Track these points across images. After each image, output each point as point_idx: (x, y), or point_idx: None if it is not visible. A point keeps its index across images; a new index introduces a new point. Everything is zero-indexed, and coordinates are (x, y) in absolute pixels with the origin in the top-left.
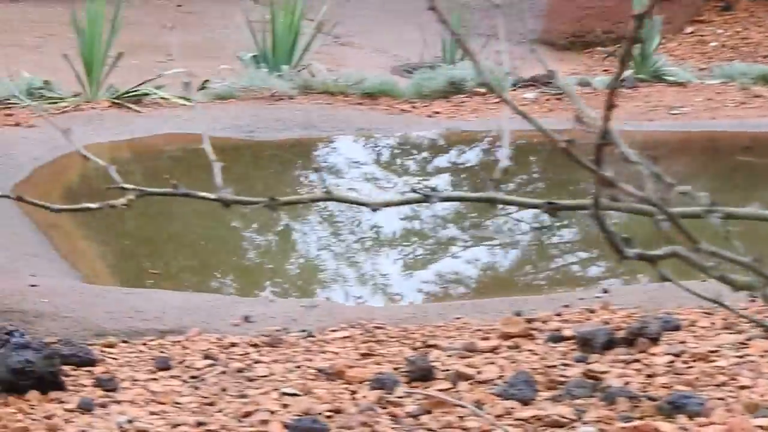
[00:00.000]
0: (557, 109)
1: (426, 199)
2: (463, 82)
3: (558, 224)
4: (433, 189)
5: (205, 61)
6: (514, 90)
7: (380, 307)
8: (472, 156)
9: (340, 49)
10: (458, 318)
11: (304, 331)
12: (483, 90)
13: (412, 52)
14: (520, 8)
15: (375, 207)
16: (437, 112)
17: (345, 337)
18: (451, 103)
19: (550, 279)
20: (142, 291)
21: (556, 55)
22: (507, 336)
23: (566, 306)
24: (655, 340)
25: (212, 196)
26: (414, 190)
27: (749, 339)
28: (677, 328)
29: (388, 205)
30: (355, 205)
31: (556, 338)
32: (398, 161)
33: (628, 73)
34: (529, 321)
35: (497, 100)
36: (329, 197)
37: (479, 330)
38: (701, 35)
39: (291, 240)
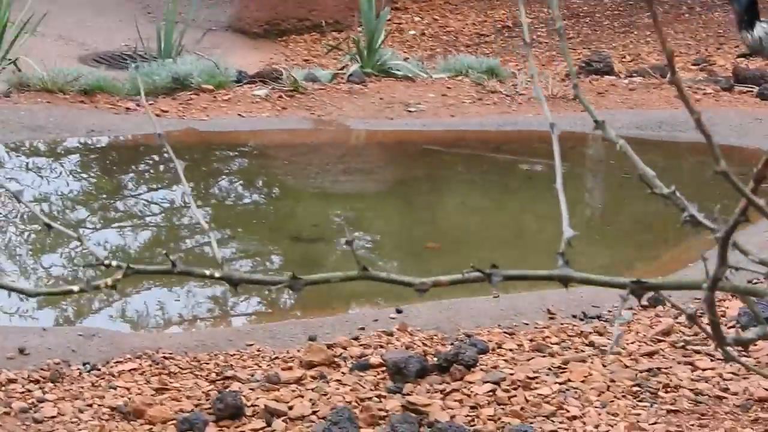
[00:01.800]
0: (291, 107)
1: (488, 278)
2: (188, 77)
3: None
4: (493, 266)
5: None
6: (241, 86)
7: (165, 334)
8: (229, 162)
9: (22, 37)
10: (251, 344)
11: (86, 364)
12: (210, 87)
13: (99, 40)
14: None
15: (421, 288)
16: (165, 111)
17: (133, 370)
18: (178, 101)
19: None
20: None
21: (250, 43)
22: (310, 365)
23: (362, 329)
24: (470, 367)
25: (217, 274)
26: (475, 268)
27: (565, 363)
28: (485, 351)
29: (437, 284)
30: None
31: (363, 366)
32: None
33: (354, 67)
34: (330, 347)
35: (227, 97)
36: (366, 276)
37: (277, 358)
38: (398, 23)
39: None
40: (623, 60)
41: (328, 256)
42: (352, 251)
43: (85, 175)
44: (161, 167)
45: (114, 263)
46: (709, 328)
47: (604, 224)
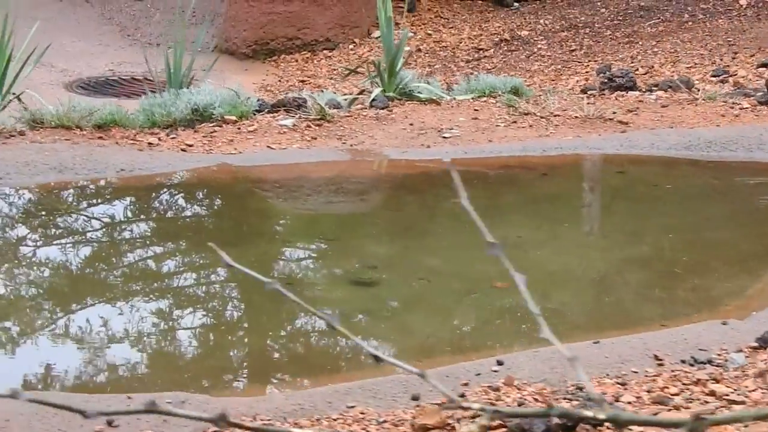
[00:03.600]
0: (321, 137)
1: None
2: (208, 108)
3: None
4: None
5: None
6: (263, 115)
7: (261, 399)
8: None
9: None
10: (352, 406)
11: None
12: (233, 117)
13: (81, 65)
14: (198, 14)
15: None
16: (189, 145)
17: None
18: (201, 134)
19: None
20: None
21: (239, 64)
22: (424, 429)
23: (465, 384)
24: (596, 425)
25: (601, 415)
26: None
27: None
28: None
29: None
30: None
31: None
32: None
33: (377, 91)
34: (440, 407)
35: (252, 128)
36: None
37: (385, 422)
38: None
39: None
40: (636, 72)
41: (392, 299)
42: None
43: (151, 223)
44: (220, 205)
45: (476, 406)
46: None
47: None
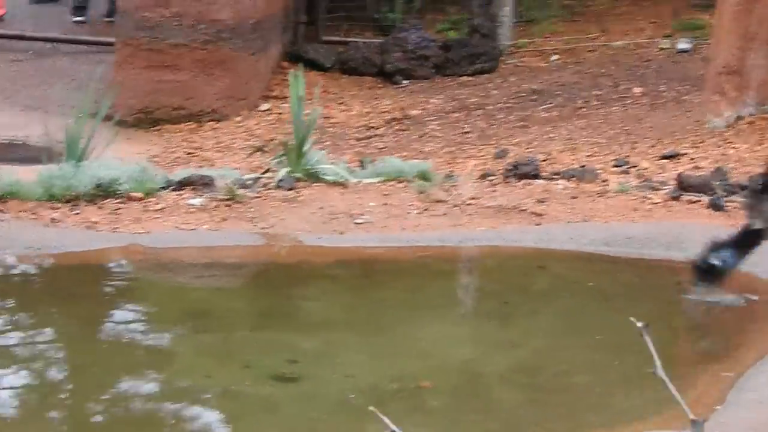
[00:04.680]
0: (231, 218)
1: None
2: (113, 184)
3: None
4: None
5: None
6: (168, 193)
7: None
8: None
9: None
10: None
11: None
12: (139, 194)
13: None
14: (84, 80)
15: None
16: (95, 222)
17: None
18: (106, 210)
19: None
20: None
21: (123, 133)
22: None
23: None
24: None
25: None
26: None
27: None
28: None
29: None
30: None
31: None
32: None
33: (283, 171)
34: None
35: (159, 206)
36: None
37: None
38: (279, 113)
39: None
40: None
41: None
42: None
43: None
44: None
45: None
46: None
47: None
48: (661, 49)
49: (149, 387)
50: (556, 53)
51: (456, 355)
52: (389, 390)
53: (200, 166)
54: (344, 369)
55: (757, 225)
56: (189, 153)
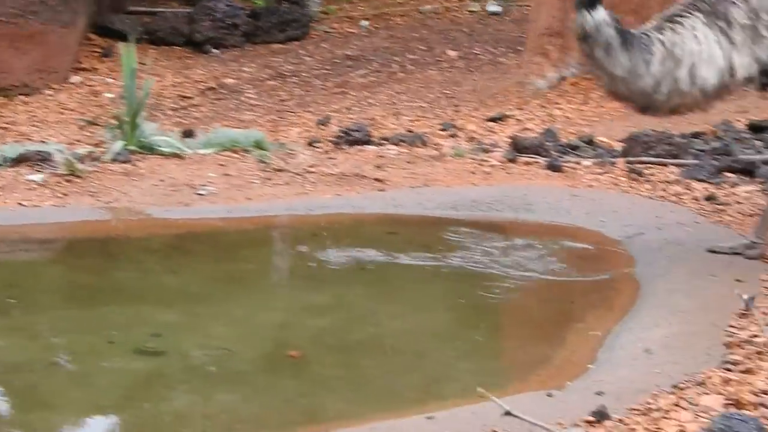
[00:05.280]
0: (73, 194)
1: None
2: None
3: None
4: None
5: None
6: (6, 170)
7: None
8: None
9: None
10: None
11: None
12: None
13: None
14: None
15: None
16: None
17: None
18: None
19: None
20: None
21: None
22: None
23: None
24: None
25: None
26: None
27: None
28: None
29: None
30: None
31: None
32: None
33: (118, 144)
34: None
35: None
36: None
37: None
38: (90, 86)
39: None
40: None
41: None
42: None
43: None
44: None
45: None
46: None
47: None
48: (471, 12)
49: (11, 361)
50: (365, 19)
51: (317, 324)
52: (257, 359)
53: (17, 141)
54: (208, 341)
55: None
56: (2, 128)
